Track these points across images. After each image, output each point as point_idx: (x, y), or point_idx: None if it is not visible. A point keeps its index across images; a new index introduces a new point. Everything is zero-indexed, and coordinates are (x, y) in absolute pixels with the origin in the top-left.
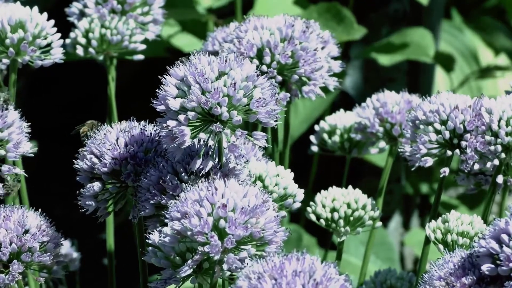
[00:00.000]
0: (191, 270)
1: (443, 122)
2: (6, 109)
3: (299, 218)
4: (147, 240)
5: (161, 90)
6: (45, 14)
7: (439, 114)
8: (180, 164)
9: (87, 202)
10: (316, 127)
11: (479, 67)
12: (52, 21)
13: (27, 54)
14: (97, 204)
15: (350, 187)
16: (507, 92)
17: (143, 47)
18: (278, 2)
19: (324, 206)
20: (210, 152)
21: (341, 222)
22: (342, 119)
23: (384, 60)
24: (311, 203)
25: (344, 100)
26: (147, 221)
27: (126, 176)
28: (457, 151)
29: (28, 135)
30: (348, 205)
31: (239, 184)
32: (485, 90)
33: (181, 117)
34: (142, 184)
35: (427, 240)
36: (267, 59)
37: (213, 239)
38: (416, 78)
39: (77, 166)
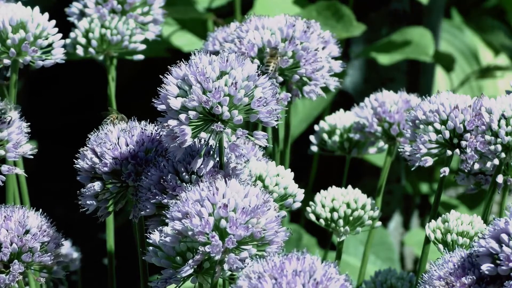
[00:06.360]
0: (192, 270)
1: (443, 122)
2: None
3: (299, 218)
4: (147, 240)
5: (162, 89)
6: (46, 15)
7: (439, 113)
8: (181, 163)
9: (87, 202)
10: (316, 127)
11: (479, 66)
12: (53, 22)
13: (28, 54)
14: (98, 204)
15: (349, 187)
16: (507, 92)
17: (143, 47)
18: (278, 1)
19: (323, 206)
20: (211, 152)
21: (341, 222)
22: (341, 119)
23: (384, 59)
24: (311, 203)
25: (344, 100)
26: (147, 221)
27: (127, 176)
28: (457, 150)
29: (28, 135)
30: (348, 205)
31: (240, 184)
32: (486, 90)
33: (182, 116)
34: (143, 184)
35: (427, 240)
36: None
37: (214, 239)
38: (416, 78)
39: (77, 166)
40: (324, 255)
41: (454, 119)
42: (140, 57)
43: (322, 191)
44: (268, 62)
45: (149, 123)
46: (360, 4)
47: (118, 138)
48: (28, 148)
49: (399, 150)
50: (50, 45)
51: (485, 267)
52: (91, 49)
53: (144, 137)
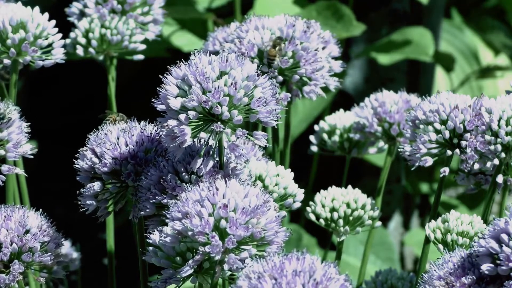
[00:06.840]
0: (192, 270)
1: (443, 122)
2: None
3: (299, 218)
4: (147, 240)
5: (162, 89)
6: (46, 15)
7: (439, 113)
8: (180, 163)
9: (87, 202)
10: (316, 127)
11: (479, 66)
12: (53, 22)
13: (28, 54)
14: (98, 204)
15: (349, 187)
16: (507, 92)
17: (143, 47)
18: (278, 1)
19: (323, 206)
20: (210, 152)
21: (341, 221)
22: (341, 119)
23: (384, 59)
24: (311, 203)
25: (344, 100)
26: (147, 221)
27: (126, 176)
28: (457, 150)
29: (28, 135)
30: (348, 205)
31: (240, 184)
32: (486, 90)
33: (182, 116)
34: (142, 184)
35: (427, 240)
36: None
37: (214, 239)
38: (416, 78)
39: (77, 166)
40: (324, 255)
41: (454, 119)
42: (140, 57)
43: (322, 191)
44: (270, 55)
45: (149, 123)
46: (360, 4)
47: (118, 138)
48: (28, 148)
49: (399, 150)
50: (50, 45)
51: (485, 267)
52: (91, 49)
53: (143, 137)
